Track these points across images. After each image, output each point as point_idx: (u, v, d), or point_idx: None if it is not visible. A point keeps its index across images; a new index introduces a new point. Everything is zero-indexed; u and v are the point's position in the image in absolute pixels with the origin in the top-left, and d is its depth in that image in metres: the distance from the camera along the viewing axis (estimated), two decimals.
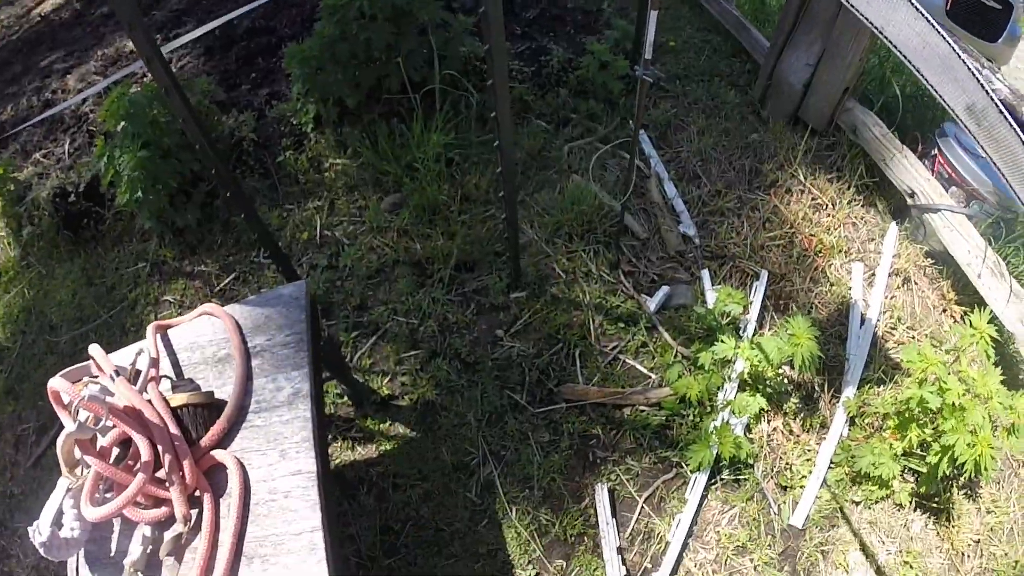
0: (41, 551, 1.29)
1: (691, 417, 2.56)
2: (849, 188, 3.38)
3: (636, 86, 3.64)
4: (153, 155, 2.84)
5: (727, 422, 2.51)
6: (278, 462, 1.48)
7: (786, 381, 2.71)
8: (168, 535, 1.35)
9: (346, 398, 2.66)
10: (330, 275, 3.02)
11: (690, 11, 4.87)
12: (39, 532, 1.30)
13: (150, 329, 1.70)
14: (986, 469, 2.14)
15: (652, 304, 2.79)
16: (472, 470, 2.51)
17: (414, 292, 2.91)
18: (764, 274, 3.00)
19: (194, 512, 1.39)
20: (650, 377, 2.66)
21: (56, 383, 1.40)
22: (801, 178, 3.38)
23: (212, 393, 1.57)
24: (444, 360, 2.74)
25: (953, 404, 2.24)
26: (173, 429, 1.43)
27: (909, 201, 3.28)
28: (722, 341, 2.50)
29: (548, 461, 2.51)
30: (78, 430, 1.29)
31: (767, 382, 2.61)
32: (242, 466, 1.45)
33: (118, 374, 1.48)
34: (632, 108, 3.67)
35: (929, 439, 2.33)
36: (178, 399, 1.49)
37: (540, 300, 2.84)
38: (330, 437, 2.60)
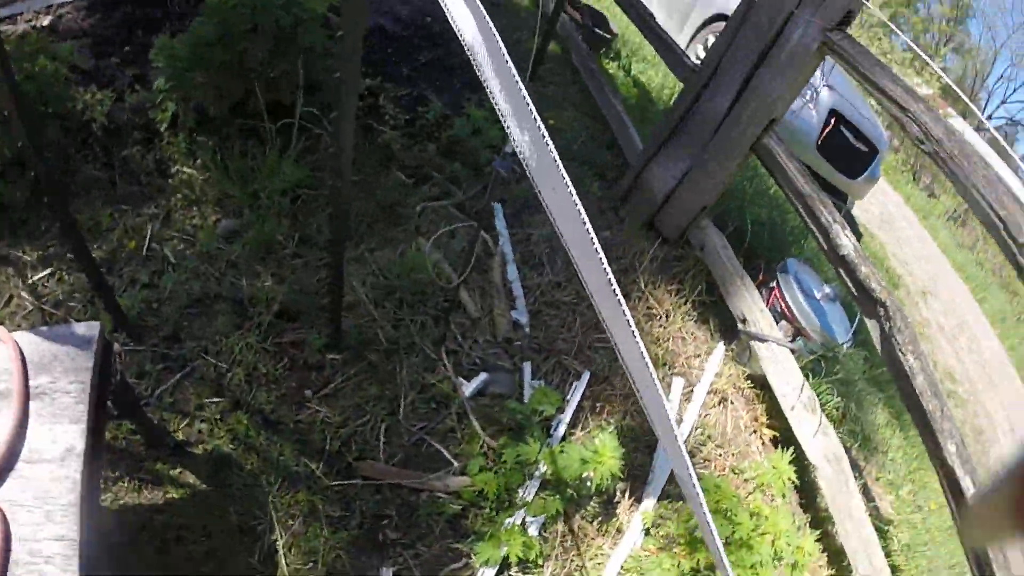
0: None
1: (488, 510, 2.85)
2: (686, 303, 3.90)
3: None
4: None
5: (522, 522, 2.81)
6: (43, 523, 1.55)
7: (589, 484, 3.06)
8: None
9: (139, 436, 2.71)
10: (148, 295, 3.08)
11: (579, 93, 5.42)
12: None
13: None
14: None
15: (468, 389, 3.09)
16: (258, 535, 2.64)
17: (230, 333, 3.04)
18: (586, 375, 3.39)
19: None
20: (452, 464, 2.94)
21: None
22: (642, 285, 3.86)
23: None
24: (246, 414, 2.87)
25: (740, 539, 2.66)
26: None
27: (740, 326, 3.83)
28: (528, 443, 2.82)
29: (336, 537, 2.69)
30: None
31: (568, 485, 2.95)
32: (5, 520, 1.51)
33: None
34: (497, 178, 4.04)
35: (714, 564, 2.74)
36: None
37: (357, 366, 3.07)
38: (118, 474, 2.63)
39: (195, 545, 2.57)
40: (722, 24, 7.63)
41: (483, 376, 3.17)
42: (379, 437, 2.93)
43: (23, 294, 2.99)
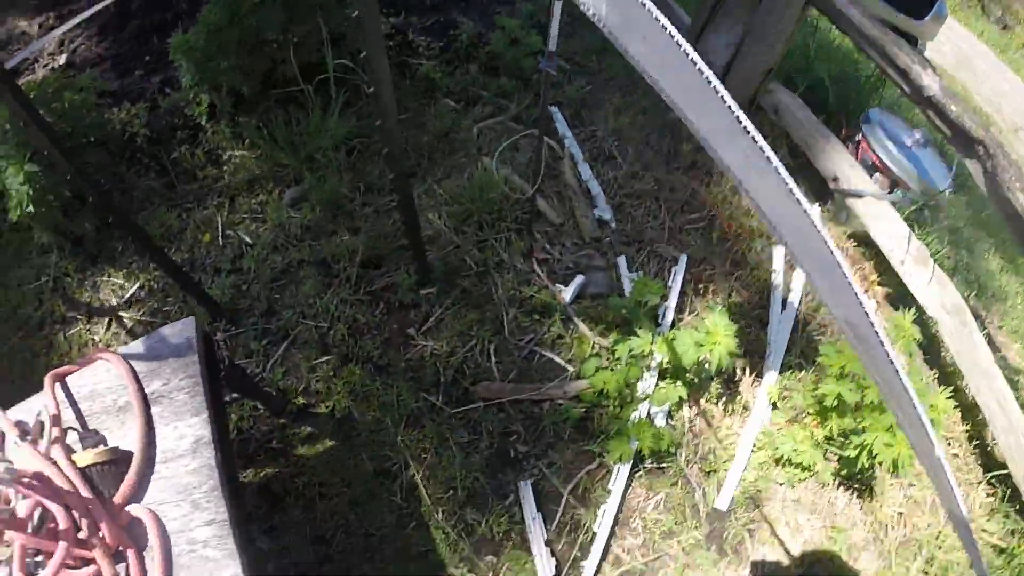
0: None
1: (611, 408, 2.75)
2: None
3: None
4: (42, 165, 2.82)
5: (647, 414, 2.70)
6: (192, 513, 1.59)
7: (707, 366, 2.92)
8: None
9: (263, 410, 2.72)
10: (235, 279, 3.07)
11: None
12: None
13: (47, 380, 1.75)
14: (903, 467, 2.43)
15: (567, 294, 2.96)
16: (395, 475, 2.64)
17: (321, 294, 3.01)
18: (683, 259, 3.22)
19: (121, 568, 1.50)
20: (567, 370, 2.84)
21: None
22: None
23: (117, 448, 1.65)
24: (356, 365, 2.85)
25: (871, 403, 2.49)
26: (85, 492, 1.51)
27: (832, 185, 3.57)
28: (638, 334, 2.68)
29: (469, 461, 2.66)
30: None
31: (687, 371, 2.81)
32: (158, 520, 1.56)
33: (23, 437, 1.56)
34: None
35: (848, 430, 2.59)
36: (85, 458, 1.56)
37: (451, 295, 2.99)
38: (251, 449, 2.67)
39: (338, 498, 2.59)
40: None
41: (580, 279, 3.03)
42: (489, 358, 2.86)
43: (121, 313, 3.02)
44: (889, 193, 3.52)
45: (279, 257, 3.12)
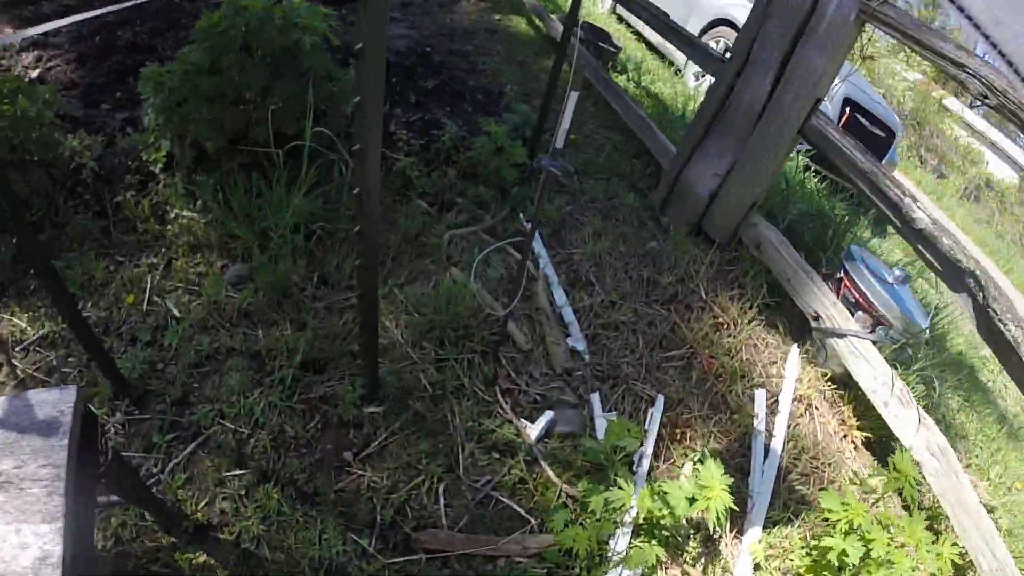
0: None
1: (578, 570, 2.33)
2: (751, 307, 3.42)
3: (532, 176, 3.60)
4: None
5: None
6: None
7: (685, 522, 2.55)
8: None
9: (151, 521, 2.22)
10: (151, 354, 2.63)
11: (593, 106, 5.03)
12: None
13: None
14: None
15: (534, 432, 2.60)
16: None
17: (248, 391, 2.57)
18: (660, 399, 2.90)
19: None
20: (529, 521, 2.43)
21: None
22: (703, 294, 3.38)
23: None
24: (276, 486, 2.38)
25: (879, 558, 2.19)
26: None
27: (813, 324, 3.35)
28: (618, 486, 2.33)
29: None
30: None
31: (664, 528, 2.44)
32: None
33: None
34: (526, 198, 3.61)
35: None
36: None
37: (401, 418, 2.58)
38: (130, 567, 2.15)
39: None
40: (721, 29, 7.30)
41: (548, 415, 2.67)
42: (438, 499, 2.43)
43: (15, 362, 2.52)
44: (871, 332, 3.31)
45: (207, 339, 2.69)
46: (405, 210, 3.41)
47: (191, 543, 2.23)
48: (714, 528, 2.30)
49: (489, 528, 2.39)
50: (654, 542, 2.37)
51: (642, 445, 2.68)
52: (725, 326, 3.32)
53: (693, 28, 7.32)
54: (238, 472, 2.38)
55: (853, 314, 3.40)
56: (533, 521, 2.42)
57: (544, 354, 2.93)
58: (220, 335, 2.71)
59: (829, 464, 3.04)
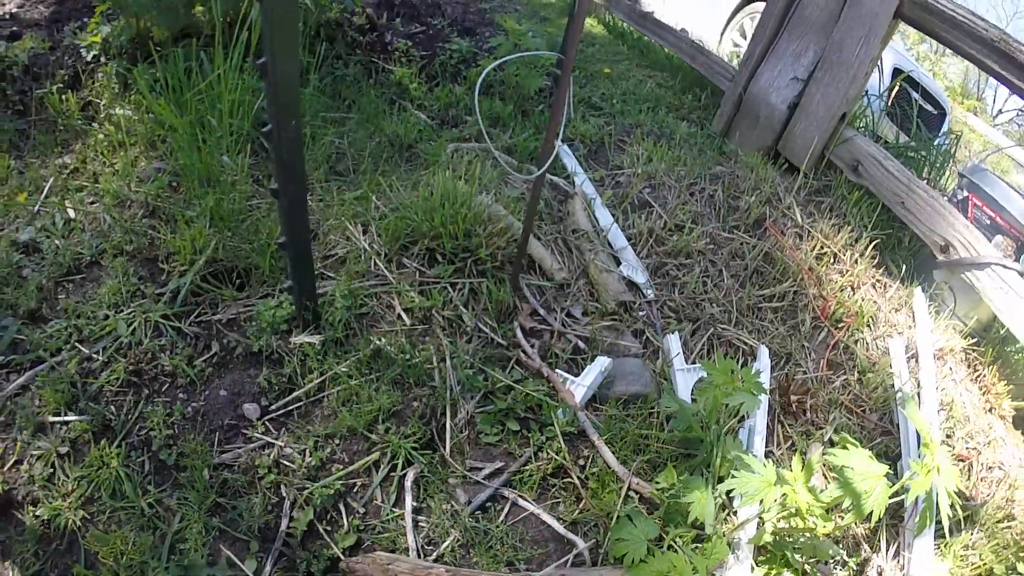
0: None
1: None
2: (858, 239, 2.21)
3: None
4: None
5: None
6: None
7: (820, 538, 1.35)
8: None
9: None
10: (19, 259, 1.59)
11: (629, 50, 3.91)
12: None
13: None
14: None
15: (579, 390, 1.40)
16: None
17: (122, 304, 1.48)
18: (763, 351, 1.72)
19: None
20: (572, 543, 1.22)
21: None
22: (798, 218, 2.20)
23: None
24: (119, 448, 1.25)
25: None
26: None
27: (940, 257, 2.16)
28: (745, 468, 1.15)
29: None
30: None
31: (797, 543, 1.26)
32: None
33: None
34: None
35: None
36: None
37: (350, 357, 1.43)
38: None
39: None
40: (757, 5, 6.14)
41: (603, 363, 1.47)
42: (401, 498, 1.25)
43: None
44: (1016, 260, 2.14)
45: (96, 241, 1.63)
46: (399, 117, 2.34)
47: None
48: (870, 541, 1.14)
49: (498, 555, 1.19)
50: (789, 574, 1.19)
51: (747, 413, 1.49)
52: (829, 258, 2.12)
53: (730, 4, 6.18)
54: (69, 418, 1.28)
55: (990, 238, 2.24)
56: (581, 543, 1.21)
57: (588, 287, 1.76)
58: (113, 234, 1.64)
59: (987, 444, 1.82)
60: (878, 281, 2.18)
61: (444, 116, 2.44)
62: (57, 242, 1.62)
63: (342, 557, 1.15)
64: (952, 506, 1.17)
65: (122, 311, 1.44)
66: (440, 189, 1.67)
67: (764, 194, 2.26)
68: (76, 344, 1.39)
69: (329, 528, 1.20)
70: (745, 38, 4.73)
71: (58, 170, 1.89)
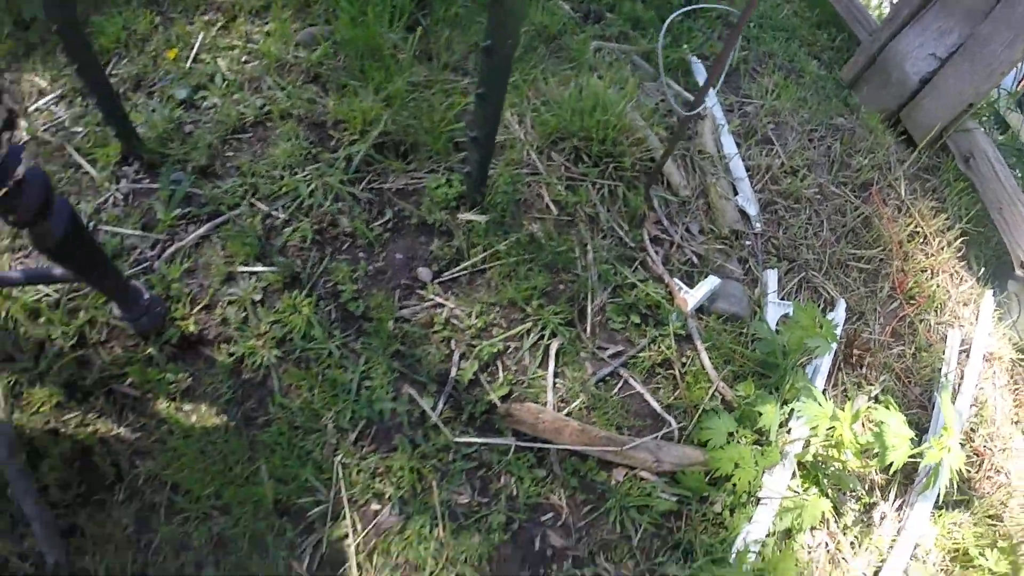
0: None
1: (719, 508, 1.39)
2: (951, 228, 2.31)
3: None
4: None
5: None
6: None
7: (847, 471, 1.59)
8: None
9: (122, 316, 1.32)
10: (183, 115, 1.70)
11: None
12: None
13: None
14: None
15: (692, 299, 1.59)
16: (309, 523, 1.26)
17: (298, 166, 1.62)
18: (842, 305, 1.88)
19: None
20: (667, 421, 1.46)
21: None
22: (901, 192, 2.28)
23: None
24: (308, 297, 1.45)
25: None
26: None
27: (1019, 272, 2.26)
28: (810, 397, 1.34)
29: (459, 542, 1.29)
30: None
31: (829, 470, 1.49)
32: None
33: None
34: (692, 31, 2.50)
35: None
36: None
37: (509, 237, 1.61)
38: (88, 382, 1.33)
39: (198, 525, 1.23)
40: None
41: (713, 281, 1.65)
42: (546, 362, 1.47)
43: (21, 120, 1.65)
44: None
45: (259, 101, 1.72)
46: (543, 4, 2.32)
47: (172, 359, 1.34)
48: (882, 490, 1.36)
49: (610, 419, 1.44)
50: (816, 491, 1.43)
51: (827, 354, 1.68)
52: (920, 237, 2.23)
53: None
54: (259, 269, 1.46)
55: None
56: (673, 423, 1.45)
57: (705, 208, 1.90)
58: (277, 97, 1.73)
59: (1003, 450, 2.03)
60: (956, 272, 2.29)
61: (587, 10, 2.44)
62: (216, 100, 1.72)
63: (497, 403, 1.39)
64: (951, 481, 1.40)
65: (297, 173, 1.59)
66: (590, 92, 1.76)
67: (877, 159, 2.33)
68: (253, 201, 1.55)
69: (489, 380, 1.43)
70: None
71: (204, 26, 1.89)
